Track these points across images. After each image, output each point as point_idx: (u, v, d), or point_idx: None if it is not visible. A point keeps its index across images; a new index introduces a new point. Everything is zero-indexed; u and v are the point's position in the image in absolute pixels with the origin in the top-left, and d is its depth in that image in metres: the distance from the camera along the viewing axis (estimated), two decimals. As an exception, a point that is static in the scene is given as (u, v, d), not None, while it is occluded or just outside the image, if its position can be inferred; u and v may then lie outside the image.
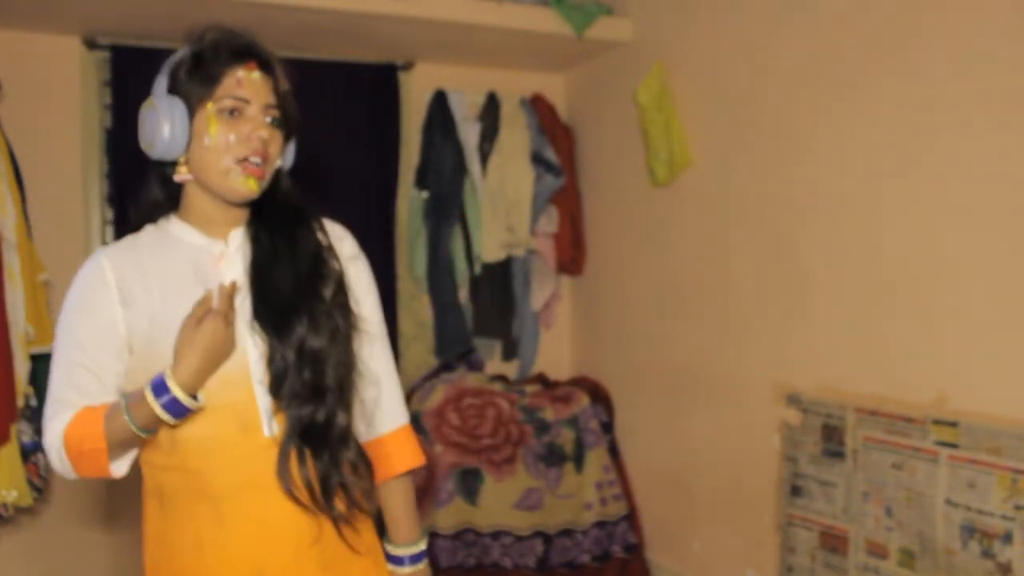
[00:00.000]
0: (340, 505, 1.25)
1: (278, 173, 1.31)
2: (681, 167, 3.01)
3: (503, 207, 3.54)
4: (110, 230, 3.15)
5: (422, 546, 1.39)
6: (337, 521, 1.25)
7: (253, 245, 1.29)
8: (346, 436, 1.26)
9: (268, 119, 1.23)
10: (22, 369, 2.45)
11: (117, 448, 1.19)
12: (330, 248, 1.32)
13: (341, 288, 1.30)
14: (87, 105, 3.11)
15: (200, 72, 1.22)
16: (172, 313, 1.20)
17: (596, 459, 3.33)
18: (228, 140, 1.20)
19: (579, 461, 3.31)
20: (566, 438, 3.31)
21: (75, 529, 3.05)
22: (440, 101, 3.54)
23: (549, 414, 3.33)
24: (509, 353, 3.73)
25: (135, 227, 1.32)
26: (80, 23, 2.97)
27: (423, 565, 1.39)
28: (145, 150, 1.25)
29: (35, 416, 2.57)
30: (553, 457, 3.27)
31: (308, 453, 1.23)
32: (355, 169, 3.43)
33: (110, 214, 3.15)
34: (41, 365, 2.62)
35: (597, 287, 3.68)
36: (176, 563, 1.24)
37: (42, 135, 3.00)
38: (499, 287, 3.66)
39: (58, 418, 1.21)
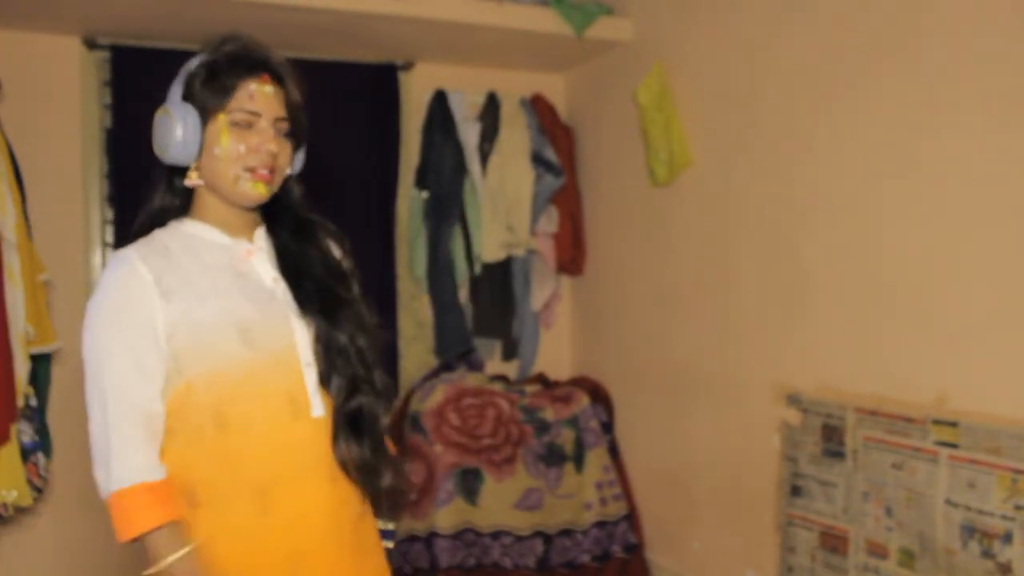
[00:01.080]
0: (388, 478, 1.34)
1: (288, 179, 1.38)
2: (681, 167, 3.01)
3: (503, 207, 3.54)
4: (110, 230, 3.16)
5: (391, 524, 1.47)
6: (388, 494, 1.35)
7: (277, 242, 1.37)
8: (377, 417, 1.35)
9: (278, 131, 1.29)
10: (22, 369, 2.45)
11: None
12: (343, 247, 1.45)
13: (356, 281, 1.42)
14: (87, 105, 3.11)
15: (214, 83, 1.26)
16: (221, 301, 1.26)
17: (596, 459, 3.33)
18: (238, 151, 1.26)
19: (579, 461, 3.31)
20: (566, 438, 3.31)
21: (75, 529, 3.05)
22: (440, 101, 3.54)
23: (549, 414, 3.33)
24: (509, 353, 3.73)
25: (142, 231, 1.33)
26: (80, 23, 2.97)
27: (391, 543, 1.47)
28: (158, 155, 1.29)
29: (35, 416, 2.57)
30: (553, 457, 3.27)
31: (352, 435, 1.30)
32: (355, 169, 3.43)
33: (110, 214, 3.15)
34: (41, 365, 2.62)
35: (597, 287, 3.68)
36: (220, 557, 1.23)
37: (42, 135, 3.00)
38: (499, 287, 3.66)
39: (126, 449, 1.22)
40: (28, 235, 2.58)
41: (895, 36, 2.20)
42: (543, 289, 3.73)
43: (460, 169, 3.52)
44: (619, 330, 3.52)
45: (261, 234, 1.37)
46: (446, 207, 3.49)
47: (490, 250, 3.53)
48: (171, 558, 1.19)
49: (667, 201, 3.14)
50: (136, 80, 3.11)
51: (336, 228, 1.46)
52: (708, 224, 2.94)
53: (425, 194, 3.52)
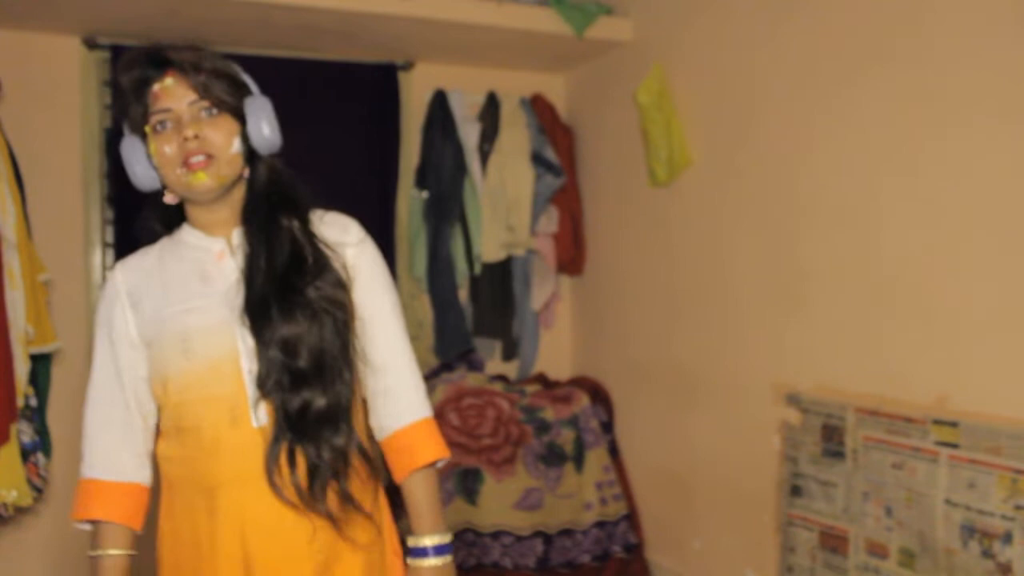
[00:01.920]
0: (332, 504, 1.24)
1: (256, 160, 1.32)
2: (681, 167, 3.01)
3: (503, 207, 3.54)
4: (110, 230, 3.15)
5: (448, 538, 1.33)
6: (331, 519, 1.24)
7: (244, 241, 1.31)
8: (330, 421, 1.24)
9: (200, 113, 1.25)
10: (22, 369, 2.45)
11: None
12: (308, 236, 1.31)
13: (322, 275, 1.28)
14: (87, 105, 3.11)
15: (130, 106, 1.28)
16: (168, 313, 1.28)
17: (596, 459, 3.33)
18: (165, 153, 1.25)
19: (579, 461, 3.31)
20: (566, 438, 3.31)
21: (75, 529, 3.04)
22: (440, 101, 3.54)
23: (549, 414, 3.33)
24: (509, 353, 3.73)
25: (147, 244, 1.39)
26: (80, 23, 2.97)
27: (449, 557, 1.32)
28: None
29: (35, 416, 2.57)
30: (553, 457, 3.27)
31: (298, 449, 1.23)
32: (355, 169, 3.43)
33: (110, 214, 3.15)
34: (41, 365, 2.62)
35: (597, 287, 3.67)
36: (180, 554, 1.29)
37: (42, 135, 3.00)
38: (499, 287, 3.65)
39: (91, 449, 1.34)
40: (28, 235, 2.58)
41: (894, 35, 2.20)
42: (543, 289, 3.73)
43: (460, 169, 3.52)
44: (619, 330, 3.52)
45: (239, 231, 1.32)
46: (446, 207, 3.49)
47: (490, 250, 3.53)
48: (93, 553, 1.29)
49: (667, 201, 3.14)
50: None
51: (323, 205, 1.37)
52: (708, 224, 2.94)
53: (425, 194, 3.52)
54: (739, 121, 2.77)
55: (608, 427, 3.45)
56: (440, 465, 1.36)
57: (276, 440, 1.23)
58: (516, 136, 3.58)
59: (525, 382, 3.64)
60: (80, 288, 3.10)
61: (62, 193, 3.07)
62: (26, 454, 2.50)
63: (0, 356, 2.33)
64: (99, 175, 3.14)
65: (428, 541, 1.30)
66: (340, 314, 1.28)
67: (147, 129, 1.26)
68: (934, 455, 2.10)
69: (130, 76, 1.27)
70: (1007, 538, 1.92)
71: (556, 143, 3.67)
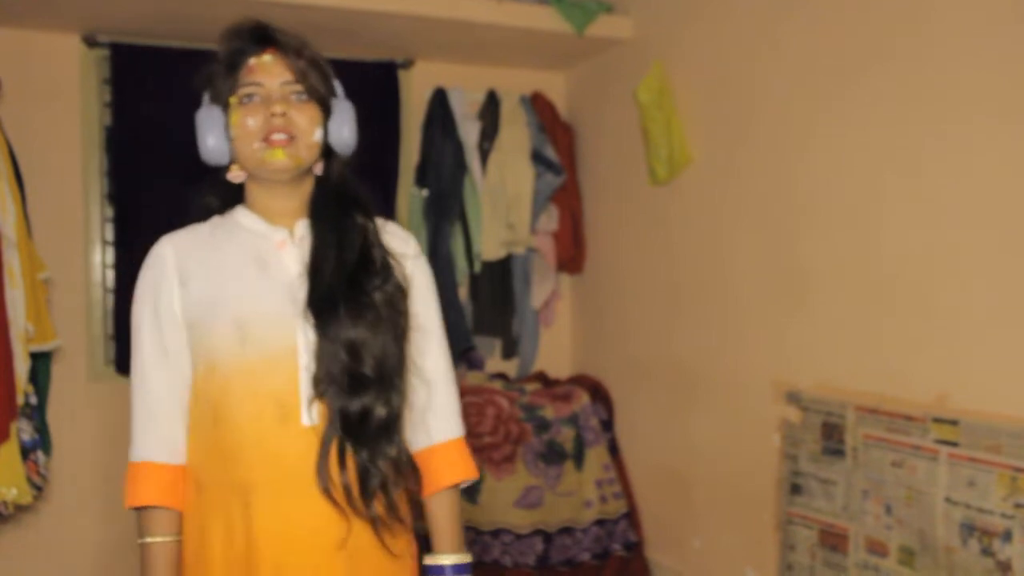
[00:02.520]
0: (379, 507, 1.23)
1: (332, 157, 1.33)
2: (681, 165, 3.01)
3: (503, 205, 3.54)
4: (110, 228, 3.15)
5: (467, 558, 1.32)
6: (375, 524, 1.23)
7: (311, 234, 1.30)
8: (387, 430, 1.24)
9: (291, 96, 1.25)
10: (22, 367, 2.45)
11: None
12: (378, 239, 1.32)
13: (389, 280, 1.29)
14: (87, 103, 3.11)
15: (221, 73, 1.27)
16: (226, 294, 1.23)
17: (596, 457, 3.33)
18: (247, 125, 1.23)
19: (579, 459, 3.32)
20: (566, 436, 3.31)
21: (75, 527, 3.05)
22: (440, 99, 3.54)
23: (549, 412, 3.33)
24: (509, 351, 3.73)
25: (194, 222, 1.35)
26: (80, 21, 2.97)
27: None
28: (201, 157, 1.30)
29: (35, 414, 2.57)
30: (553, 455, 3.27)
31: (349, 452, 1.21)
32: (354, 167, 3.42)
33: (110, 212, 3.15)
34: (41, 363, 2.62)
35: (597, 285, 3.67)
36: (207, 552, 1.23)
37: (42, 133, 3.00)
38: (499, 285, 3.65)
39: (143, 430, 1.26)
40: (28, 233, 2.58)
41: (895, 34, 2.20)
42: (543, 287, 3.73)
43: (460, 167, 3.52)
44: (619, 328, 3.52)
45: (304, 223, 1.30)
46: (446, 205, 3.49)
47: (490, 248, 3.53)
48: (144, 539, 1.23)
49: (667, 199, 3.14)
50: (136, 78, 3.11)
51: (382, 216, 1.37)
52: (708, 222, 2.94)
53: (425, 192, 3.52)
54: (739, 119, 2.77)
55: (608, 425, 3.45)
56: (465, 485, 1.37)
57: (328, 441, 1.21)
58: (516, 134, 3.58)
59: (525, 380, 3.64)
60: (80, 286, 3.10)
61: (62, 191, 3.07)
62: (26, 452, 2.50)
63: (0, 354, 2.33)
64: (99, 173, 3.14)
65: (447, 560, 1.30)
66: (402, 322, 1.28)
67: (232, 100, 1.24)
68: (934, 453, 2.10)
69: (229, 46, 1.27)
70: (1007, 536, 1.92)
71: (556, 141, 3.67)
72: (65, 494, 3.03)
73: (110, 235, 3.15)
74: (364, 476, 1.22)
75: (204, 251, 1.27)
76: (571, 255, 3.69)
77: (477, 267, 3.57)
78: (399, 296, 1.29)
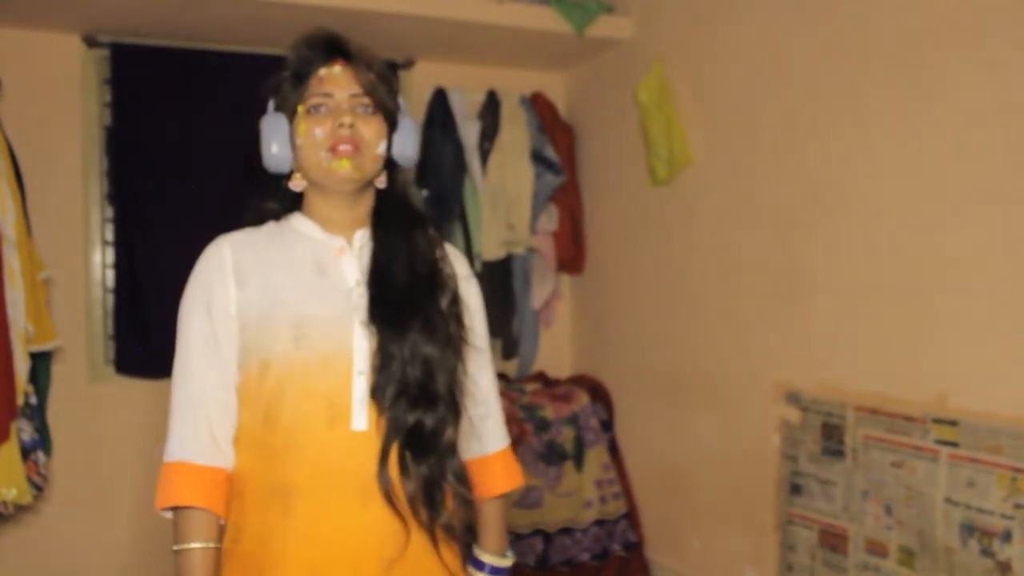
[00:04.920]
0: (443, 519, 1.24)
1: (395, 170, 1.35)
2: (681, 166, 3.01)
3: (503, 205, 3.54)
4: (109, 228, 3.15)
5: (506, 563, 1.39)
6: (434, 533, 1.23)
7: (374, 244, 1.31)
8: (454, 447, 1.26)
9: (358, 108, 1.26)
10: (22, 367, 2.45)
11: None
12: (444, 258, 1.34)
13: (456, 299, 1.32)
14: (87, 103, 3.11)
15: (291, 81, 1.28)
16: (284, 294, 1.23)
17: (596, 457, 3.33)
18: (315, 134, 1.24)
19: (579, 459, 3.32)
20: (566, 436, 3.31)
21: (75, 528, 3.05)
22: (440, 99, 3.54)
23: (549, 412, 3.33)
24: (509, 351, 3.73)
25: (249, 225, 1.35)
26: (80, 21, 2.97)
27: None
28: (263, 164, 1.31)
29: (35, 414, 2.57)
30: (553, 455, 3.27)
31: (410, 461, 1.21)
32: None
33: (110, 212, 3.15)
34: (41, 363, 2.62)
35: (597, 286, 3.67)
36: (242, 549, 1.22)
37: (42, 133, 3.01)
38: (499, 285, 3.65)
39: (183, 428, 1.22)
40: (28, 233, 2.58)
41: (896, 34, 2.20)
42: (543, 287, 3.73)
43: (460, 167, 3.52)
44: (619, 329, 3.52)
45: (363, 234, 1.32)
46: (446, 205, 3.49)
47: (490, 248, 3.53)
48: (182, 545, 1.18)
49: (667, 200, 3.14)
50: (136, 78, 3.11)
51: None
52: (708, 222, 2.94)
53: (425, 192, 3.52)
54: (740, 119, 2.77)
55: (608, 425, 3.45)
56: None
57: (387, 448, 1.21)
58: (516, 134, 3.58)
59: (525, 380, 3.64)
60: (80, 286, 3.10)
61: (62, 191, 3.07)
62: (26, 452, 2.50)
63: (0, 354, 2.33)
64: (99, 173, 3.14)
65: (488, 559, 1.38)
66: (464, 338, 1.32)
67: (300, 109, 1.26)
68: (934, 454, 2.10)
69: (299, 55, 1.28)
70: (1006, 537, 1.92)
71: (556, 141, 3.67)
72: (65, 494, 3.03)
73: (110, 235, 3.15)
74: (429, 488, 1.22)
75: (262, 252, 1.28)
76: (571, 255, 3.69)
77: (477, 267, 3.57)
78: (463, 312, 1.33)
